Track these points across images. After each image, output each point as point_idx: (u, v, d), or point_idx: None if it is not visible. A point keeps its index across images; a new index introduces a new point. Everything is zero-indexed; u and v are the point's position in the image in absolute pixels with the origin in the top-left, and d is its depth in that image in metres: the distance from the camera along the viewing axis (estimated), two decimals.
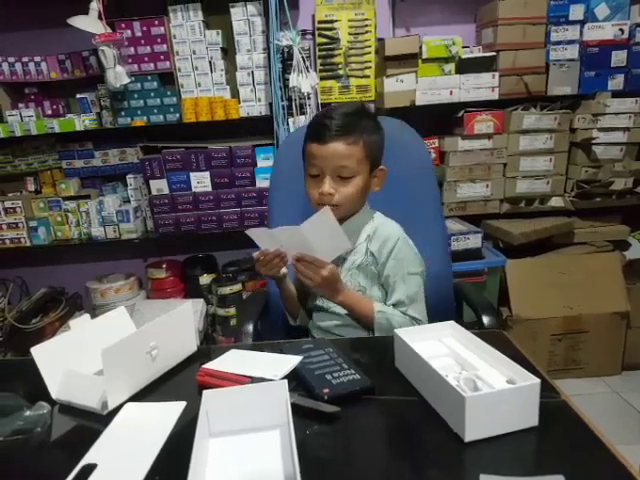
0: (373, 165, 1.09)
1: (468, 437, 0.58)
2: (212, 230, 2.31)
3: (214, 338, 2.38)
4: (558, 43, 2.16)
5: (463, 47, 2.15)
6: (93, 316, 0.90)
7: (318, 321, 1.16)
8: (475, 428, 0.58)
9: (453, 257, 2.01)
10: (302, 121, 2.19)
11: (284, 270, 1.09)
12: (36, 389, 0.76)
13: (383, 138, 1.11)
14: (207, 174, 2.25)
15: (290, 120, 2.20)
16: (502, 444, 0.59)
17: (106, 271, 2.53)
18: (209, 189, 2.27)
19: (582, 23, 2.15)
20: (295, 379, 0.76)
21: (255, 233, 1.03)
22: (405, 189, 1.26)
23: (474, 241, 2.03)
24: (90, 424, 0.71)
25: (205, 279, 2.45)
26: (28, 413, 0.66)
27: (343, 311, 1.10)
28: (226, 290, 2.31)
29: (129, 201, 2.41)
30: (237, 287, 2.34)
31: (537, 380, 0.61)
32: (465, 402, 0.57)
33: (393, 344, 0.80)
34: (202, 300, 2.37)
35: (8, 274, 2.63)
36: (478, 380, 0.65)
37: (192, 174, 2.24)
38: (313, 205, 1.10)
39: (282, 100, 2.16)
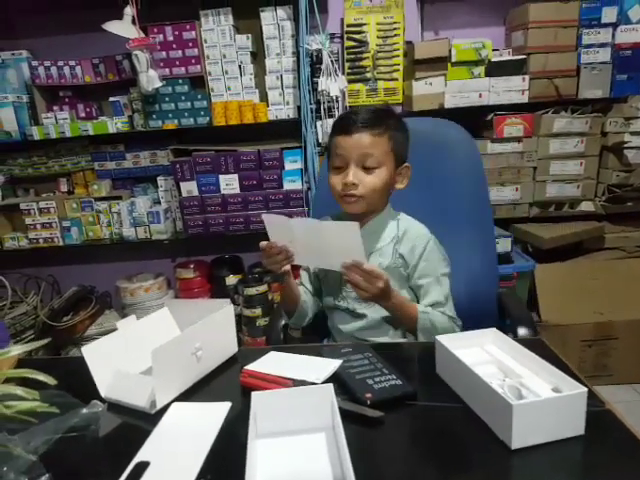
0: (398, 161, 1.10)
1: (515, 445, 0.59)
2: (240, 231, 2.34)
3: (240, 338, 2.41)
4: (590, 46, 2.14)
5: (492, 50, 2.14)
6: (122, 315, 0.92)
7: (340, 323, 1.15)
8: (522, 436, 0.59)
9: None
10: (330, 124, 2.21)
11: (286, 268, 1.06)
12: (84, 388, 0.78)
13: (408, 137, 1.13)
14: (236, 176, 2.28)
15: (318, 123, 2.22)
16: (548, 452, 0.59)
17: (135, 271, 2.58)
18: (237, 191, 2.29)
19: (615, 26, 2.12)
20: (335, 382, 0.76)
21: (270, 219, 1.01)
22: (452, 190, 1.26)
23: (503, 245, 2.02)
24: (139, 423, 0.73)
25: (231, 280, 2.48)
26: (84, 411, 0.68)
27: (371, 314, 1.10)
28: (252, 291, 2.33)
29: (159, 202, 2.46)
30: (263, 288, 2.36)
31: (584, 389, 0.61)
32: (512, 410, 0.57)
33: (432, 350, 0.80)
34: (228, 300, 2.39)
35: (41, 272, 2.70)
36: (523, 388, 0.66)
37: (221, 176, 2.27)
38: (335, 197, 1.11)
39: (310, 103, 2.18)
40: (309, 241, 0.98)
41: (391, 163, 1.08)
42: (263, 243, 1.04)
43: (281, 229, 1.00)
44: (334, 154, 1.10)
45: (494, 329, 0.81)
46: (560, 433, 0.61)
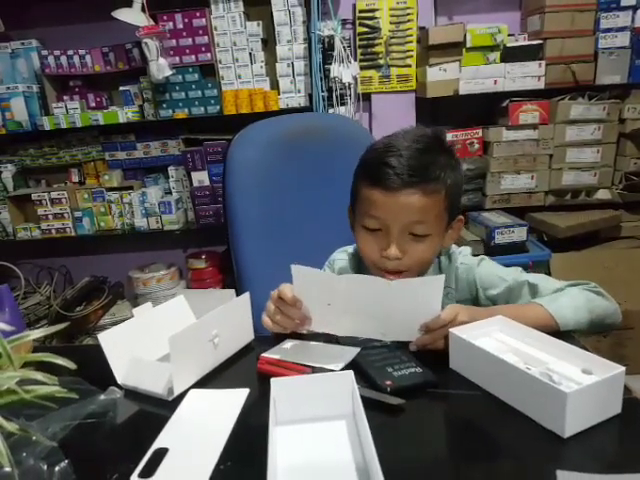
0: (451, 217, 0.87)
1: (568, 433, 0.57)
2: None
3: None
4: (608, 30, 2.09)
5: (508, 35, 2.09)
6: (135, 305, 0.91)
7: None
8: (573, 423, 0.57)
9: (497, 250, 1.98)
10: (342, 112, 2.19)
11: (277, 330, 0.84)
12: (100, 375, 0.77)
13: (463, 177, 0.89)
14: None
15: (330, 111, 2.19)
16: (583, 438, 0.58)
17: (147, 261, 2.58)
18: None
19: (634, 9, 2.08)
20: (353, 370, 0.75)
21: (303, 273, 0.74)
22: None
23: (519, 234, 1.99)
24: (156, 409, 0.72)
25: None
26: (102, 397, 0.68)
27: None
28: None
29: (171, 193, 2.45)
30: None
31: (621, 367, 0.60)
32: (567, 398, 0.56)
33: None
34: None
35: (53, 263, 2.71)
36: (553, 373, 0.64)
37: None
38: (367, 264, 0.89)
39: (322, 91, 2.15)
40: (360, 305, 0.75)
41: (444, 223, 0.86)
42: (287, 292, 0.77)
43: (317, 288, 0.76)
44: (367, 213, 0.84)
45: (501, 316, 0.78)
46: (604, 414, 0.60)
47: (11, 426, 0.43)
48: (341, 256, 1.07)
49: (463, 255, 0.97)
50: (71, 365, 0.43)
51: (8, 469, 0.45)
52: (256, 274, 1.21)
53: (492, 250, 1.99)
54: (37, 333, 0.44)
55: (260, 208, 1.22)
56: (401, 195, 0.80)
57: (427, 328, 0.75)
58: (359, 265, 1.02)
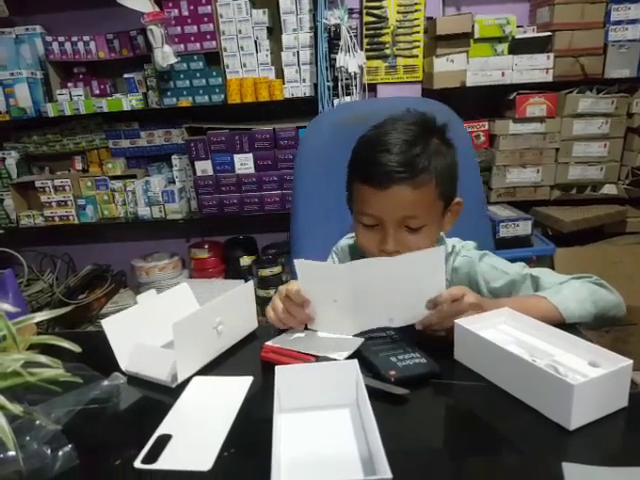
0: (447, 202, 0.88)
1: (573, 425, 0.57)
2: (254, 212, 2.32)
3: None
4: (618, 23, 2.06)
5: (517, 27, 2.07)
6: (137, 294, 0.91)
7: None
8: (579, 416, 0.57)
9: (501, 244, 1.97)
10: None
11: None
12: (103, 361, 0.77)
13: (456, 158, 0.87)
14: (250, 156, 2.25)
15: (335, 101, 2.18)
16: (589, 431, 0.58)
17: (150, 250, 2.58)
18: (252, 171, 2.27)
19: None
20: (358, 360, 0.74)
21: (308, 268, 0.77)
22: None
23: (524, 228, 1.98)
24: (160, 396, 0.72)
25: (246, 261, 2.47)
26: (106, 383, 0.68)
27: None
28: (266, 272, 2.32)
29: (174, 182, 2.44)
30: (277, 269, 2.35)
31: (629, 360, 0.59)
32: (573, 391, 0.55)
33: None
34: (242, 281, 2.40)
35: (56, 250, 2.71)
36: (559, 366, 0.63)
37: (236, 156, 2.25)
38: (367, 255, 0.89)
39: (328, 80, 2.14)
40: (365, 289, 0.76)
41: (439, 210, 0.86)
42: (294, 291, 0.78)
43: (322, 281, 0.77)
44: (361, 210, 0.86)
45: (507, 308, 0.77)
46: (610, 407, 0.60)
47: (16, 408, 0.43)
48: (346, 242, 1.08)
49: (467, 249, 0.97)
50: (76, 348, 0.43)
51: (13, 452, 0.44)
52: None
53: (496, 244, 1.98)
54: (41, 316, 0.44)
55: (324, 195, 1.22)
56: (391, 192, 0.80)
57: (433, 303, 0.75)
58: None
